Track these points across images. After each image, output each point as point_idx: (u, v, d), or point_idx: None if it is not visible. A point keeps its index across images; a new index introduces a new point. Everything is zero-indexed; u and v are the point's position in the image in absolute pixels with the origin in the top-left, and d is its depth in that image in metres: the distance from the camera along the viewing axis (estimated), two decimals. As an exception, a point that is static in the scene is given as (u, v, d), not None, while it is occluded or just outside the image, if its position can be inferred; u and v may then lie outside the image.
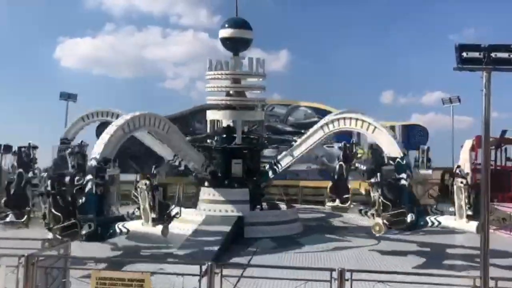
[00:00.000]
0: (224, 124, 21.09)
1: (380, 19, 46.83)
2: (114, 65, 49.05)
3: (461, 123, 36.52)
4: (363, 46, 45.89)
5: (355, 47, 45.24)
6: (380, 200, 15.49)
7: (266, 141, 22.33)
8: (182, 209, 20.23)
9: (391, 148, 16.87)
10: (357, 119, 18.07)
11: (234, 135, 20.57)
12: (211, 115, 21.17)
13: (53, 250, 10.44)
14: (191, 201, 21.22)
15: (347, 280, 8.83)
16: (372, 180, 15.88)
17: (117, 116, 21.11)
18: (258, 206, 20.70)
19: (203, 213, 19.27)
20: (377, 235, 15.97)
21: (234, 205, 19.26)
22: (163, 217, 14.45)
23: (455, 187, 14.74)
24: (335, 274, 8.85)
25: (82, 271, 10.59)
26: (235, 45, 20.89)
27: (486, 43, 8.76)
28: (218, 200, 19.49)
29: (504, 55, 8.63)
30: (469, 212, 14.61)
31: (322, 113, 28.17)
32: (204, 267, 9.35)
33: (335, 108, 29.79)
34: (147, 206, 14.15)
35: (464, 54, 8.68)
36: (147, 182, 14.17)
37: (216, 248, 15.20)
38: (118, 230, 14.96)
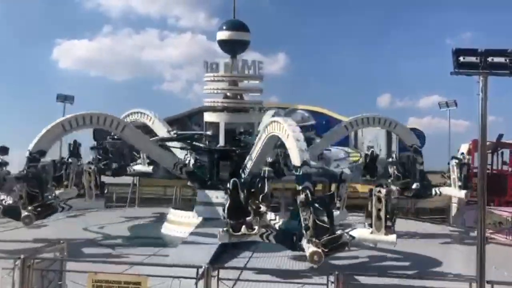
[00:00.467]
0: (220, 126, 21.02)
1: (377, 23, 47.13)
2: (111, 67, 49.24)
3: (457, 127, 36.74)
4: (361, 49, 46.21)
5: (353, 51, 45.53)
6: (313, 223, 12.82)
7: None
8: (180, 211, 20.38)
9: (292, 155, 14.81)
10: (279, 123, 16.29)
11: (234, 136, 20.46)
12: (207, 117, 21.15)
13: (50, 252, 10.43)
14: (190, 203, 21.20)
15: (344, 283, 8.84)
16: (302, 197, 13.17)
17: (150, 119, 21.42)
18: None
19: (200, 215, 19.23)
20: (316, 266, 12.63)
21: None
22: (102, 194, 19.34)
23: (373, 197, 13.14)
24: (332, 278, 8.87)
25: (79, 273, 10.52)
26: (233, 47, 20.75)
27: (483, 47, 8.83)
28: (215, 202, 19.43)
29: (501, 59, 8.69)
30: (388, 223, 13.38)
31: (320, 116, 28.23)
32: (200, 270, 9.35)
33: (332, 111, 29.97)
34: (92, 185, 17.92)
35: (461, 58, 8.74)
36: (93, 166, 18.15)
37: (212, 250, 15.15)
38: (60, 208, 17.30)
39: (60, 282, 10.12)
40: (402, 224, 22.31)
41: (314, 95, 43.90)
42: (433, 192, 20.20)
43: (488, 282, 8.63)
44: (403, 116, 47.76)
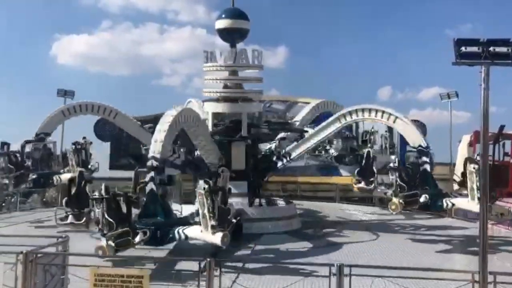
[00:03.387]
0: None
1: (377, 15, 46.93)
2: (110, 62, 49.14)
3: (459, 118, 36.70)
4: (360, 42, 46.09)
5: (353, 43, 45.42)
6: (397, 182, 16.85)
7: (269, 130, 22.13)
8: (181, 205, 20.31)
9: (415, 136, 17.93)
10: (376, 110, 18.38)
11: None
12: (209, 107, 20.96)
13: (52, 247, 10.43)
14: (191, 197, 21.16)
15: (346, 275, 8.84)
16: (391, 165, 17.23)
17: (104, 110, 21.14)
18: (257, 200, 20.59)
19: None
20: (394, 213, 17.15)
21: (232, 198, 19.12)
22: (224, 223, 13.40)
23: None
24: (334, 270, 8.86)
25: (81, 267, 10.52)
26: (232, 36, 20.39)
27: (484, 37, 8.76)
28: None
29: (503, 49, 8.61)
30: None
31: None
32: (203, 263, 9.35)
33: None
34: (206, 212, 13.00)
35: (463, 48, 8.66)
36: (206, 186, 13.11)
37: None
38: (177, 236, 13.97)
39: (62, 277, 10.12)
40: (403, 217, 22.41)
41: (315, 88, 43.82)
42: (445, 204, 16.96)
43: (490, 273, 8.60)
44: (404, 108, 47.67)
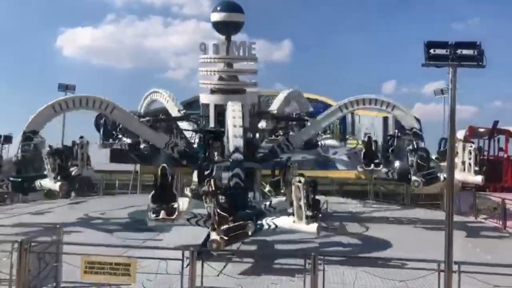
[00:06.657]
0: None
1: (383, 9, 46.96)
2: (115, 55, 49.57)
3: (461, 112, 36.82)
4: (366, 36, 46.16)
5: (358, 37, 45.49)
6: (416, 162, 18.23)
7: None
8: (180, 198, 20.65)
9: (411, 121, 19.79)
10: (376, 100, 19.82)
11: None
12: (203, 98, 21.35)
13: (46, 236, 10.98)
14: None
15: (320, 264, 9.32)
16: (410, 147, 18.77)
17: (100, 104, 19.46)
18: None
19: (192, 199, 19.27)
20: (415, 190, 19.52)
21: None
22: (316, 214, 13.62)
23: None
24: (309, 260, 9.33)
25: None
26: (227, 29, 20.47)
27: (453, 40, 9.18)
28: None
29: (469, 52, 9.03)
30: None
31: (320, 104, 28.82)
32: (187, 253, 9.82)
33: (333, 100, 30.27)
34: (302, 203, 13.17)
35: (432, 51, 9.09)
36: (302, 178, 13.38)
37: (203, 234, 15.42)
38: (266, 226, 14.23)
39: (56, 264, 10.66)
40: (396, 210, 22.78)
41: (319, 82, 44.04)
42: (442, 178, 18.27)
43: (455, 262, 9.01)
44: (409, 102, 47.85)
